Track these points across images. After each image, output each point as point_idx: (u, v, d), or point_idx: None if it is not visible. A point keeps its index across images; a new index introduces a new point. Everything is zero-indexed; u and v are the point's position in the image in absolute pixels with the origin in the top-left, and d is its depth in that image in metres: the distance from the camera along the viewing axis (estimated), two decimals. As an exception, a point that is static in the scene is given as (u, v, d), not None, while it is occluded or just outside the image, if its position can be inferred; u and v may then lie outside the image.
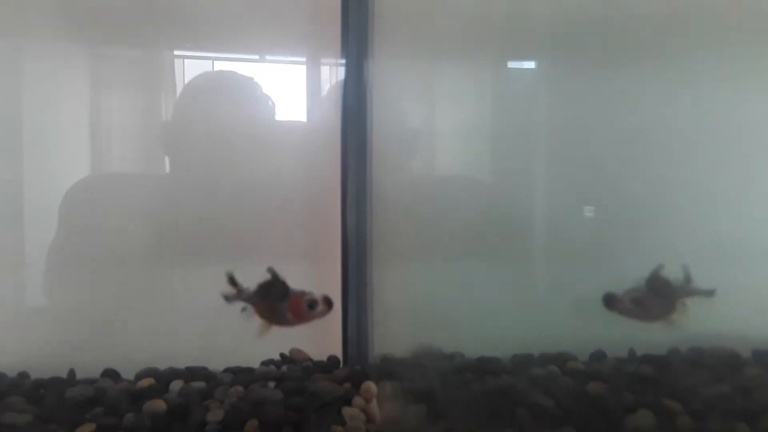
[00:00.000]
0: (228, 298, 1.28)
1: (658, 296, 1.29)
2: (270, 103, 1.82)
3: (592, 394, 1.40)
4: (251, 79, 1.80)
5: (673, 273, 1.33)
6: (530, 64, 1.83)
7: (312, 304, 1.23)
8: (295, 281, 1.31)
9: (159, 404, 1.36)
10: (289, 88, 1.82)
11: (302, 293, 1.24)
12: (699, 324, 1.50)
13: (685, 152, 1.76)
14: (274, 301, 1.21)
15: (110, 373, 1.56)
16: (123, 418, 1.30)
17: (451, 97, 1.84)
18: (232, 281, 1.26)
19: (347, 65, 1.71)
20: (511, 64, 1.84)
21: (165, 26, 1.76)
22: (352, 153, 1.68)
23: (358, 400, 1.39)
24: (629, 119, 1.76)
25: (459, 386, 1.43)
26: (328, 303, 1.26)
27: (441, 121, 1.84)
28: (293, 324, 1.24)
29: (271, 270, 1.24)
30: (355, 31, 1.70)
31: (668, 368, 1.52)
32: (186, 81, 1.80)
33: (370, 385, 1.42)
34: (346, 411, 1.35)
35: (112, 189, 1.77)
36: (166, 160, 1.82)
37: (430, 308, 1.64)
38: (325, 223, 1.75)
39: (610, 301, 1.30)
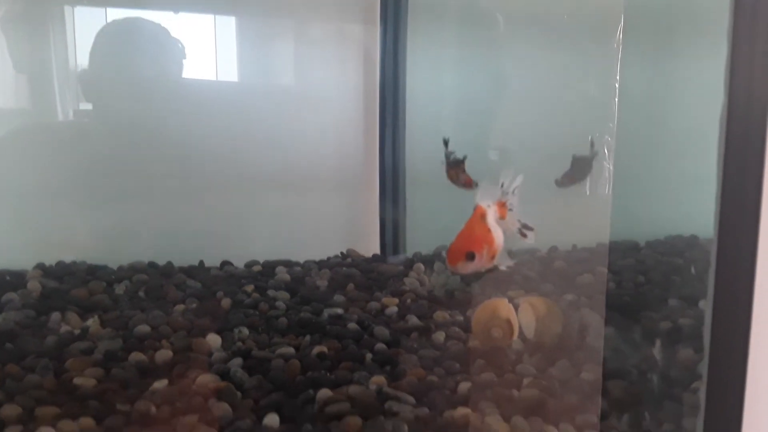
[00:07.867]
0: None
1: None
2: (179, 46, 1.99)
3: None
4: (158, 24, 1.97)
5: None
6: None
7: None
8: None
9: (285, 276, 1.99)
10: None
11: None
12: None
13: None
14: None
15: (227, 263, 2.13)
16: (267, 282, 1.91)
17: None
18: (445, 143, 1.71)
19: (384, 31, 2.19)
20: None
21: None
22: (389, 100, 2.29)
23: (412, 273, 2.10)
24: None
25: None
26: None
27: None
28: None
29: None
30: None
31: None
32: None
33: (419, 265, 2.13)
34: (406, 280, 2.05)
35: (40, 139, 1.92)
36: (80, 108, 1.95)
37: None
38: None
39: None
